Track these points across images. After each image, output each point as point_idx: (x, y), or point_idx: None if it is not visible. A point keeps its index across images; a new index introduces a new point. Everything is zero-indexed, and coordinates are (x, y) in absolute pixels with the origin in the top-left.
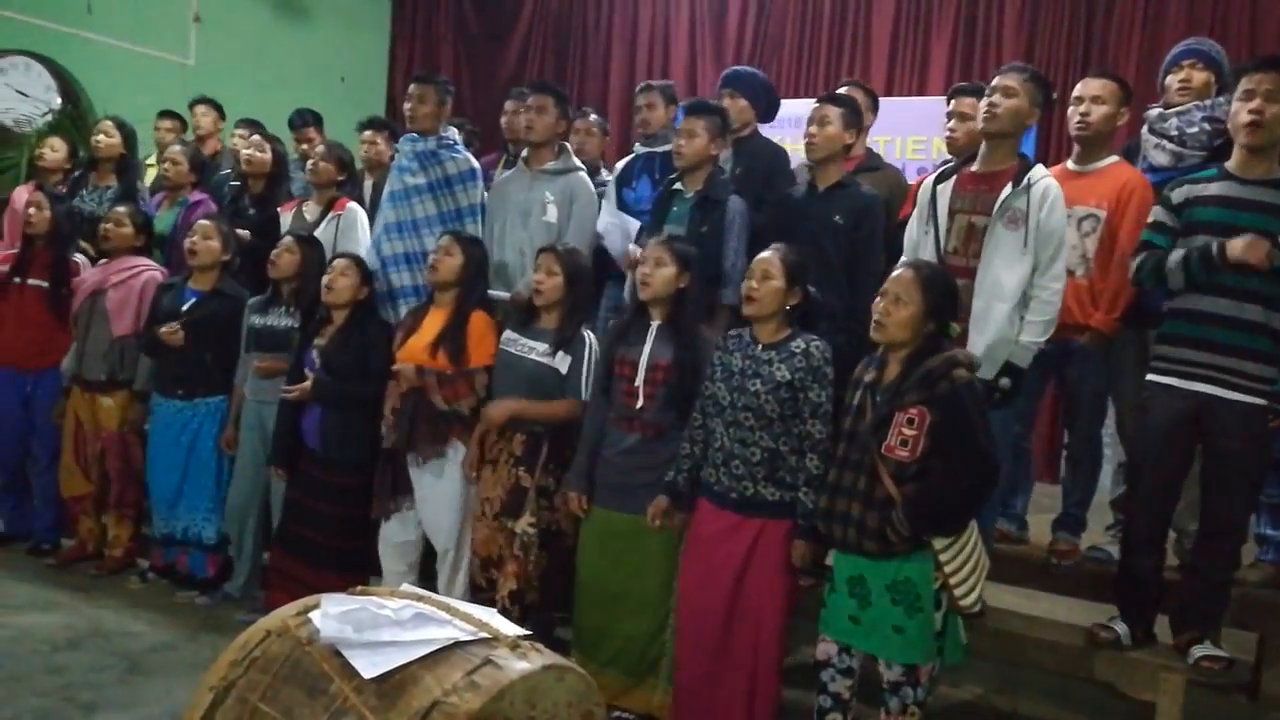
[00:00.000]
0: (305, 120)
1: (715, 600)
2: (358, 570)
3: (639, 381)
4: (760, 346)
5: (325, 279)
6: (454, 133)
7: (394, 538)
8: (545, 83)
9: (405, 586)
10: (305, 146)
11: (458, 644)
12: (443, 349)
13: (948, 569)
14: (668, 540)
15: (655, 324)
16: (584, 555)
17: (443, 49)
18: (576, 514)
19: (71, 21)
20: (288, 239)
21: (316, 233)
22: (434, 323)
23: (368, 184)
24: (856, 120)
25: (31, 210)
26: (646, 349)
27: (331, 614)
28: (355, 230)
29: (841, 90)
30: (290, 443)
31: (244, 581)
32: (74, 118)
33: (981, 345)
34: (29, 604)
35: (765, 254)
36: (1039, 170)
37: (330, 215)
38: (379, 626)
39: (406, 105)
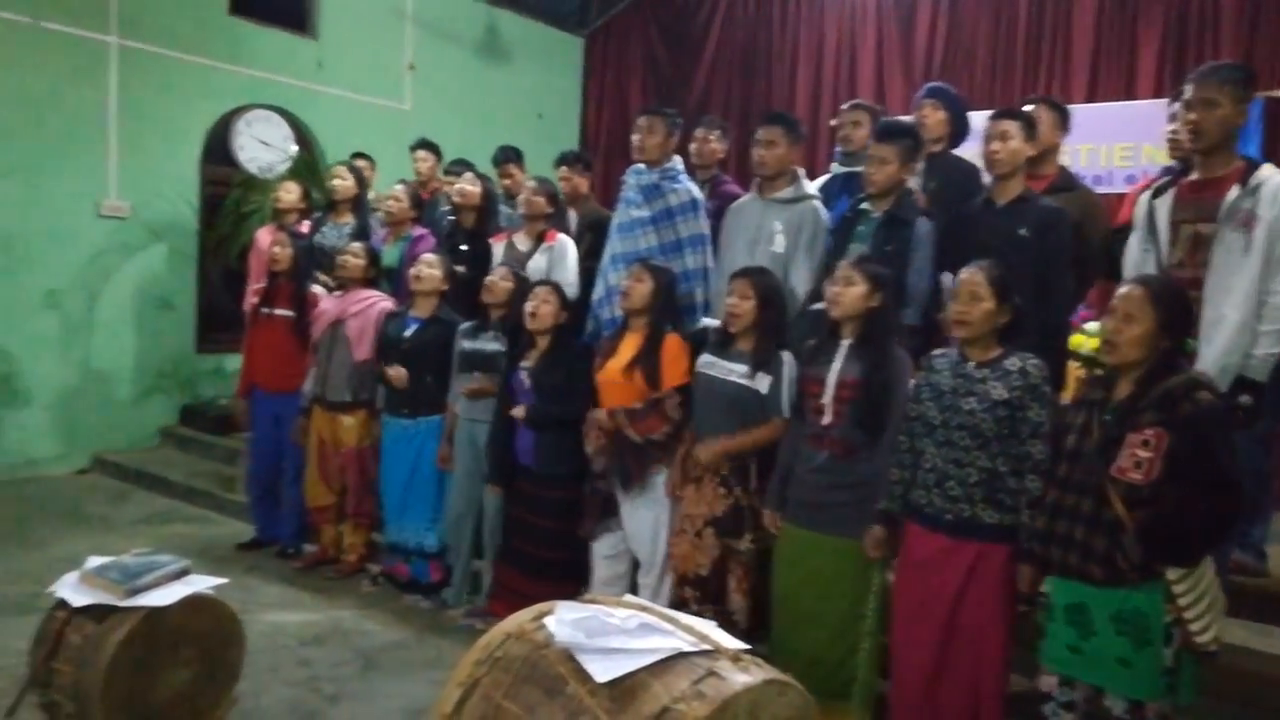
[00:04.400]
0: (507, 156)
1: (931, 629)
2: (571, 580)
3: (826, 399)
4: (972, 365)
5: (528, 306)
6: (678, 162)
7: (604, 550)
8: (777, 114)
9: (629, 597)
10: (507, 182)
11: (682, 654)
12: (637, 371)
13: (1182, 602)
14: (857, 560)
15: (846, 342)
16: (777, 572)
17: (632, 82)
18: (772, 531)
19: (304, 76)
20: (502, 269)
21: (530, 263)
22: (629, 346)
23: (571, 215)
24: (1034, 132)
25: (276, 249)
26: (835, 366)
27: (565, 620)
28: (566, 260)
29: (1028, 107)
30: (505, 461)
31: (461, 588)
32: (307, 163)
33: (1212, 358)
34: (278, 603)
35: (970, 273)
36: (1266, 169)
37: (543, 247)
38: (608, 634)
39: (635, 137)
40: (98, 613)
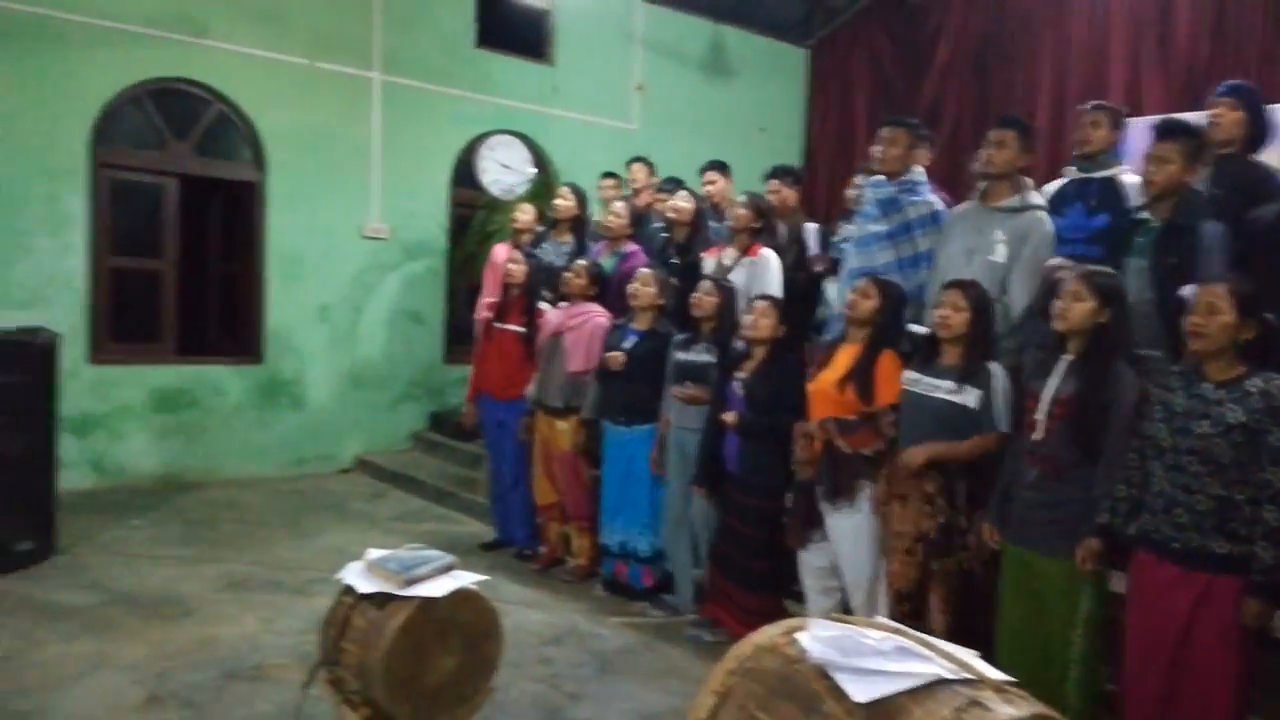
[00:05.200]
0: (712, 166)
1: (1158, 662)
2: (777, 590)
3: (1040, 415)
4: (1209, 385)
5: (748, 318)
6: (919, 172)
7: (813, 562)
8: (1012, 117)
9: (880, 619)
10: (709, 188)
11: (943, 681)
12: (850, 385)
13: None
14: (1064, 583)
15: (1067, 358)
16: (999, 590)
17: (857, 92)
18: (990, 546)
19: (541, 101)
20: (707, 283)
21: (731, 276)
22: (844, 359)
23: (779, 229)
24: None
25: (511, 265)
26: (1053, 382)
27: (819, 637)
28: (767, 273)
29: None
30: (712, 467)
31: (685, 595)
32: (543, 184)
33: None
34: (520, 601)
35: (1211, 285)
36: None
37: (744, 260)
38: (864, 654)
39: (875, 148)
40: (379, 599)
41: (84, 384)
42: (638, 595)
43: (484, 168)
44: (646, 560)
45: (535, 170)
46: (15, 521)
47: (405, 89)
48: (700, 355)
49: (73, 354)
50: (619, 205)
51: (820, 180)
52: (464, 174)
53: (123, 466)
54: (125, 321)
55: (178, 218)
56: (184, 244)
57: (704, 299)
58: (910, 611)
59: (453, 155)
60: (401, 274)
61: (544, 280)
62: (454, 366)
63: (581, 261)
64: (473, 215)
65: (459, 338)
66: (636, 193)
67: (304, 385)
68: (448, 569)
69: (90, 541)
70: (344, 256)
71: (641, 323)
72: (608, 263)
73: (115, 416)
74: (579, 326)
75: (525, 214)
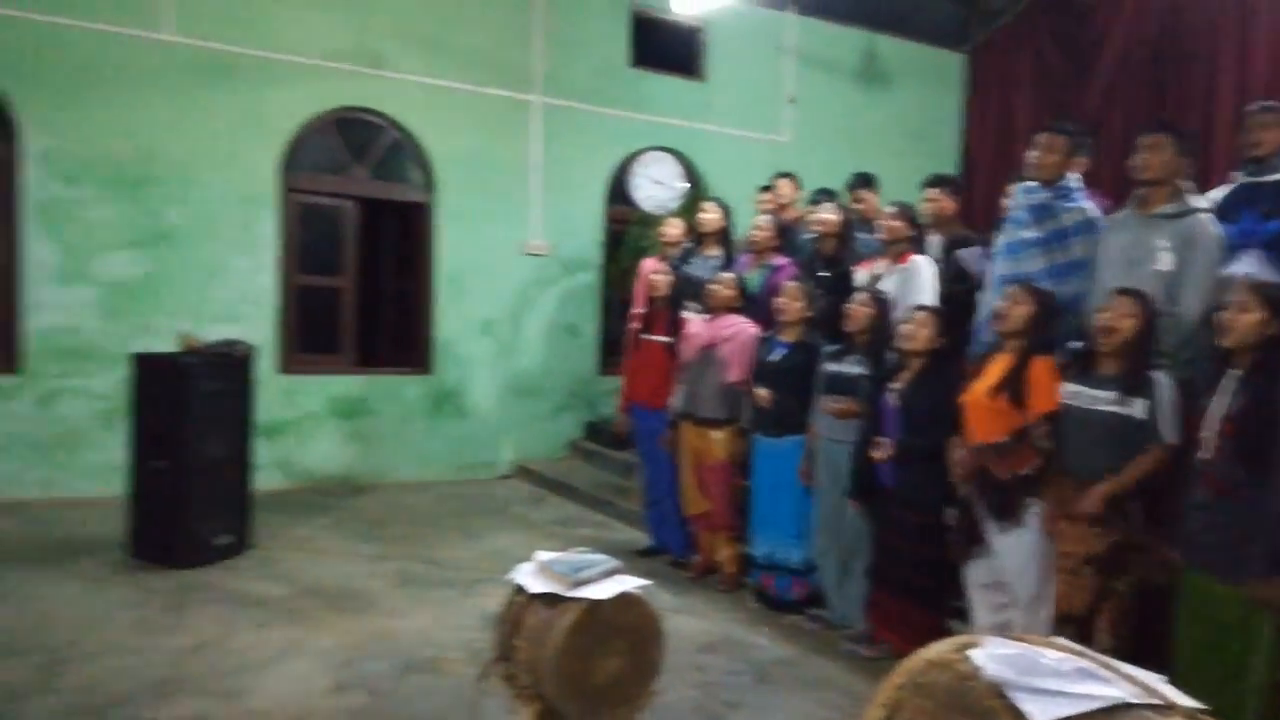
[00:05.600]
0: (860, 182)
1: None
2: (939, 606)
3: (1208, 432)
4: None
5: (906, 328)
6: (1074, 179)
7: (980, 578)
8: (1164, 120)
9: (1059, 639)
10: (859, 206)
11: (1127, 705)
12: (1003, 394)
13: None
14: (1234, 608)
15: (1235, 373)
16: (1174, 611)
17: (1018, 96)
18: (1169, 567)
19: (692, 117)
20: (861, 294)
21: (882, 284)
22: (997, 368)
23: (934, 239)
24: None
25: (656, 278)
26: (1220, 398)
27: (994, 655)
28: (919, 280)
29: None
30: (867, 480)
31: (839, 608)
32: (694, 198)
33: None
34: (674, 608)
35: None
36: None
37: (896, 268)
38: (1042, 674)
39: (1032, 153)
40: (549, 599)
41: (274, 392)
42: (787, 607)
43: (637, 184)
44: (796, 572)
45: (687, 185)
46: (217, 517)
47: (563, 110)
48: (852, 367)
49: (264, 365)
50: (764, 219)
51: (978, 189)
52: (618, 191)
53: (307, 469)
54: (310, 335)
55: (356, 238)
56: (361, 262)
57: (858, 310)
58: (1075, 635)
59: (607, 173)
60: (559, 288)
61: (689, 292)
62: (608, 377)
63: (726, 274)
64: (626, 231)
65: (613, 349)
66: (782, 207)
67: (468, 395)
68: (612, 573)
69: (280, 537)
70: (506, 272)
71: (789, 335)
72: (756, 276)
73: (301, 422)
74: (733, 338)
75: (673, 228)
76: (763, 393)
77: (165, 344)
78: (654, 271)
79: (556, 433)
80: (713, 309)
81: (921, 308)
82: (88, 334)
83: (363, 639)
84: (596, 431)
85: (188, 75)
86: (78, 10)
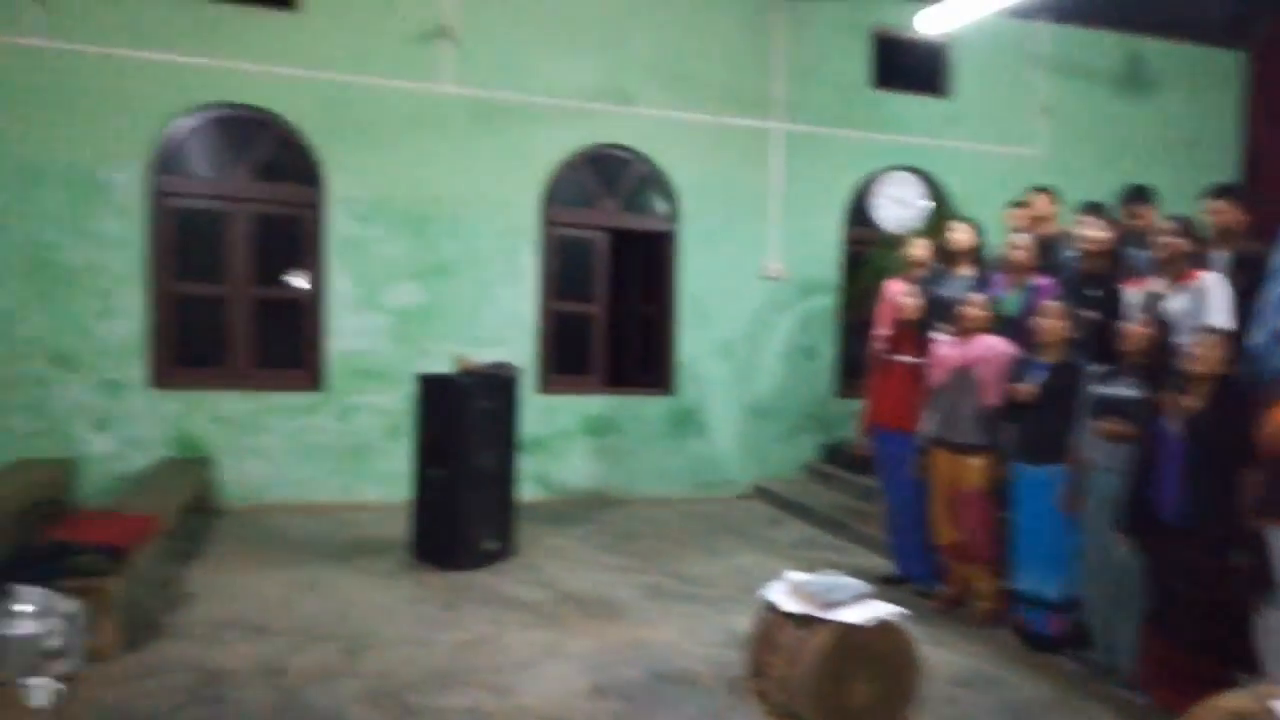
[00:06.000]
0: (1135, 196)
1: None
2: (1226, 654)
3: None
4: None
5: (1194, 350)
6: None
7: (1274, 626)
8: None
9: None
10: (1137, 223)
11: None
12: None
13: None
14: None
15: None
16: None
17: None
18: None
19: (936, 134)
20: (1143, 317)
21: (1166, 304)
22: None
23: (1220, 254)
24: None
25: (904, 299)
26: None
27: None
28: (1210, 300)
29: None
30: (1141, 512)
31: (1107, 650)
32: (939, 218)
33: None
34: (922, 639)
35: None
36: None
37: (1178, 288)
38: None
39: None
40: (801, 619)
41: (533, 411)
42: (1046, 644)
43: (878, 205)
44: (1056, 607)
45: (929, 204)
46: (486, 524)
47: (802, 134)
48: (1125, 390)
49: (524, 385)
50: (1022, 237)
51: (1266, 195)
52: (857, 212)
53: (561, 482)
54: (564, 357)
55: (606, 266)
56: (610, 288)
57: (1136, 331)
58: None
59: (846, 195)
60: (796, 311)
61: (937, 313)
62: (845, 400)
63: (978, 295)
64: (865, 252)
65: (850, 372)
66: (1037, 222)
67: (707, 415)
68: (865, 597)
69: (539, 546)
70: (744, 296)
71: (1050, 356)
72: (1015, 297)
73: (556, 439)
74: (991, 360)
75: (919, 248)
76: (1026, 387)
77: (441, 365)
78: (901, 293)
79: (792, 454)
80: (964, 330)
81: (1211, 329)
82: (378, 356)
83: (617, 646)
84: (833, 454)
85: (463, 122)
86: (371, 69)
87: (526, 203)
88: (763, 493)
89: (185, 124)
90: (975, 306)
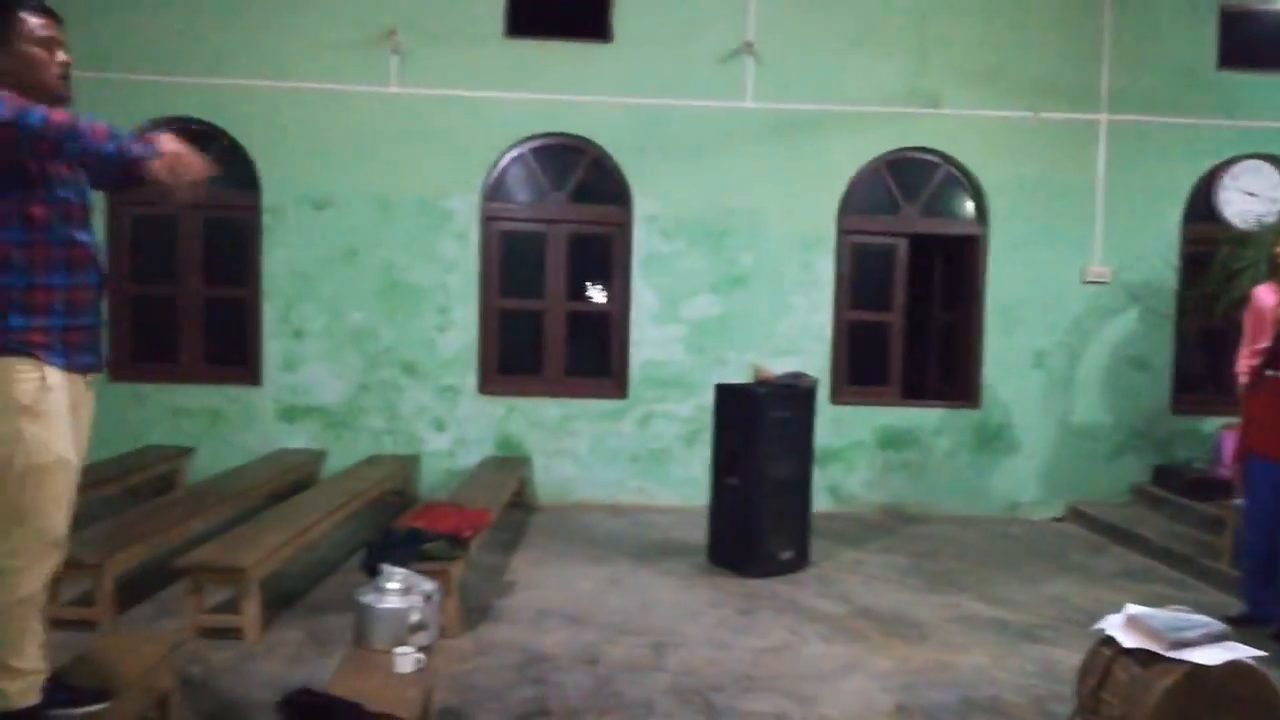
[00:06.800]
0: None
1: None
2: None
3: None
4: None
5: None
6: None
7: None
8: None
9: None
10: None
11: None
12: None
13: None
14: None
15: None
16: None
17: None
18: None
19: None
20: None
21: None
22: None
23: None
24: None
25: None
26: None
27: None
28: None
29: None
30: None
31: None
32: None
33: None
34: None
35: None
36: None
37: None
38: None
39: None
40: (1143, 657)
41: (826, 421)
42: None
43: (1226, 198)
44: None
45: None
46: (782, 534)
47: (1131, 125)
48: None
49: (818, 395)
50: None
51: None
52: (1200, 207)
53: (853, 495)
54: (857, 367)
55: (904, 273)
56: (908, 297)
57: None
58: None
59: (1186, 189)
60: (1123, 318)
61: None
62: (1183, 417)
63: None
64: (1211, 252)
65: (1189, 386)
66: None
67: (1017, 430)
68: (1220, 638)
69: (834, 558)
70: (1061, 302)
71: None
72: None
73: (848, 451)
74: None
75: None
76: None
77: (737, 375)
78: (1276, 301)
79: (1117, 476)
80: None
81: None
82: (676, 366)
83: (920, 667)
84: (1168, 476)
85: (762, 136)
86: (676, 91)
87: (823, 211)
88: (1080, 516)
89: (512, 153)
90: None
